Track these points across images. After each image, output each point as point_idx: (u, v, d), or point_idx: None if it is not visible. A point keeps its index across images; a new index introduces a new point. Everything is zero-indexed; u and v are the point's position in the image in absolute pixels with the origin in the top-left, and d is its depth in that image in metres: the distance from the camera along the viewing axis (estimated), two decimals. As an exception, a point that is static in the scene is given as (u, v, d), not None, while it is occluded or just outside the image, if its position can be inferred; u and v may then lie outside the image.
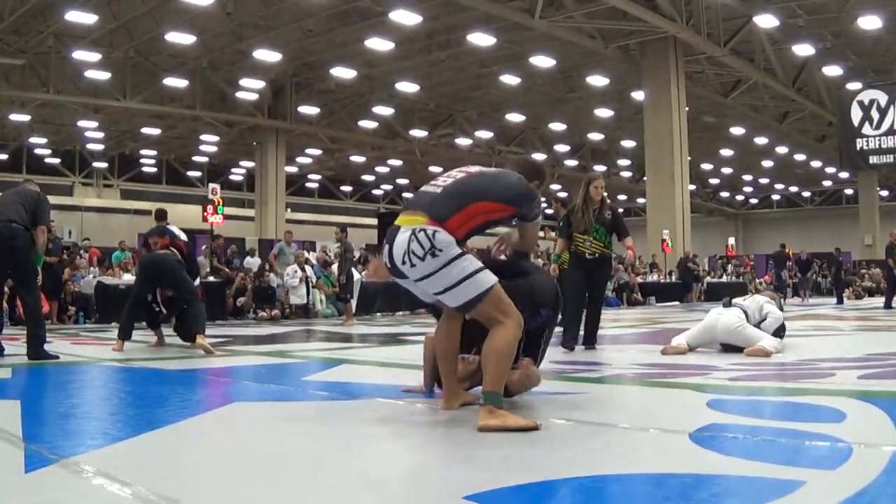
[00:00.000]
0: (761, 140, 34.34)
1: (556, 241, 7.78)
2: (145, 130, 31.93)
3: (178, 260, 7.56)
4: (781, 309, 6.82)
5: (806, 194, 48.78)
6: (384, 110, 30.06)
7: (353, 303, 13.69)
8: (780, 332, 6.49)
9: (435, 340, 3.63)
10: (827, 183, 45.74)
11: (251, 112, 28.57)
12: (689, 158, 23.58)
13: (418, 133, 32.53)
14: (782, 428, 3.06)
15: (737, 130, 32.33)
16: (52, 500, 2.18)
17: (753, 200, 51.02)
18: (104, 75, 23.73)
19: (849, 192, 44.19)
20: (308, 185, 45.35)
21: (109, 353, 6.99)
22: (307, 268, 15.45)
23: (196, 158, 39.16)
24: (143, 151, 37.69)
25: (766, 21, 20.55)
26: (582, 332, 7.02)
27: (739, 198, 50.48)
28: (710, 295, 23.11)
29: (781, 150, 36.53)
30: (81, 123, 30.28)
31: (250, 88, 26.66)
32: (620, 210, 8.69)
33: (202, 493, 2.25)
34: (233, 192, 38.59)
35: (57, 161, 37.14)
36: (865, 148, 24.55)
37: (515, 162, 3.86)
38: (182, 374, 5.54)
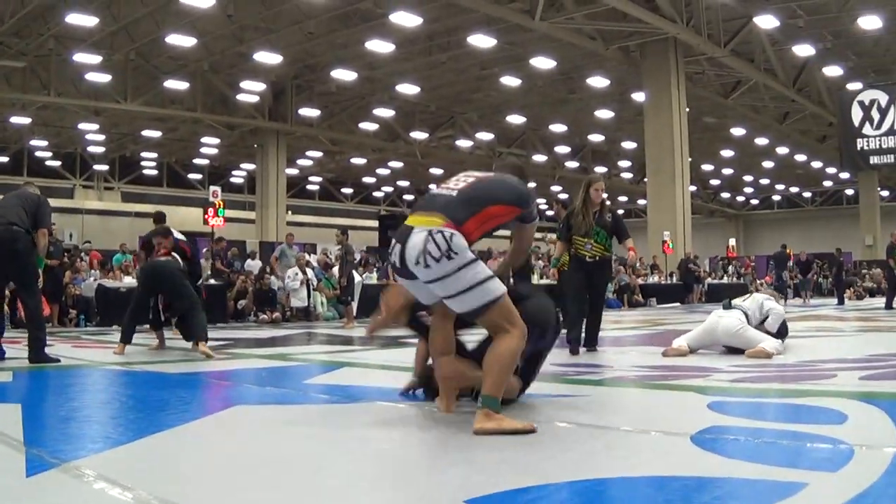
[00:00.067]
0: (762, 141, 34.35)
1: (556, 244, 7.74)
2: (146, 133, 31.95)
3: (179, 268, 7.55)
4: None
5: (807, 195, 48.78)
6: (385, 112, 30.07)
7: (354, 305, 13.68)
8: (782, 330, 6.49)
9: (430, 344, 3.62)
10: (827, 183, 45.74)
11: (252, 114, 28.59)
12: (689, 159, 23.59)
13: (419, 135, 32.54)
14: (784, 430, 3.06)
15: (737, 131, 32.33)
16: (52, 505, 2.17)
17: (754, 201, 51.03)
18: (105, 78, 23.76)
19: (849, 192, 44.19)
20: (309, 187, 45.38)
21: (110, 356, 7.00)
22: (308, 270, 15.44)
23: (197, 161, 39.18)
24: (143, 154, 37.71)
25: (767, 21, 20.56)
26: (583, 335, 7.00)
27: (740, 199, 50.48)
28: (711, 296, 23.08)
29: (782, 150, 36.54)
30: (82, 126, 30.33)
31: (251, 91, 26.68)
32: (620, 212, 8.66)
33: (203, 497, 2.25)
34: (233, 194, 38.58)
35: (58, 164, 37.17)
36: (866, 148, 24.56)
37: (502, 166, 3.88)
38: (183, 378, 5.54)
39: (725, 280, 28.16)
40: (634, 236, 7.76)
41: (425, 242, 3.14)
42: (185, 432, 3.25)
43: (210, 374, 5.79)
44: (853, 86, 25.28)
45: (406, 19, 19.68)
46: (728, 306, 6.46)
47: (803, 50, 22.73)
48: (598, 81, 25.51)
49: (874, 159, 24.57)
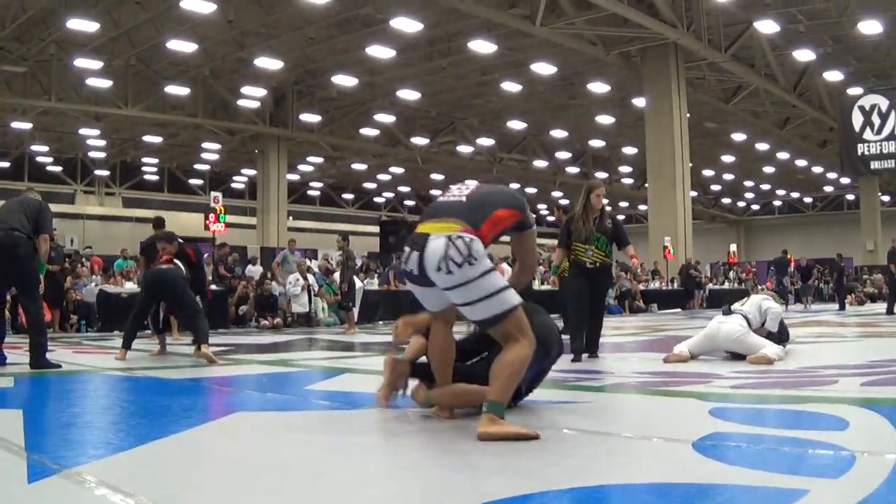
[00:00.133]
0: (762, 146, 34.38)
1: (556, 251, 7.73)
2: (147, 138, 32.01)
3: (181, 275, 7.56)
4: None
5: (807, 200, 48.78)
6: (385, 118, 30.12)
7: (355, 311, 13.68)
8: (784, 333, 6.49)
9: (430, 350, 3.63)
10: (828, 188, 45.76)
11: (253, 120, 28.64)
12: (690, 165, 23.62)
13: (420, 141, 32.58)
14: (785, 436, 3.06)
15: (738, 136, 32.37)
16: (54, 512, 2.18)
17: (755, 206, 51.06)
18: (106, 83, 23.82)
19: (850, 197, 44.19)
20: (310, 192, 45.43)
21: (112, 361, 6.99)
22: (309, 276, 15.44)
23: (198, 166, 39.24)
24: (144, 159, 37.77)
25: (767, 27, 20.60)
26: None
27: (741, 204, 50.50)
28: (713, 302, 23.07)
29: (783, 155, 36.57)
30: (83, 131, 30.38)
31: (252, 96, 26.74)
32: (621, 217, 8.66)
33: (205, 503, 2.25)
34: (234, 200, 38.66)
35: (59, 169, 37.24)
36: (867, 153, 24.61)
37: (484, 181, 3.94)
38: (184, 384, 5.54)
39: (726, 286, 28.17)
40: (635, 242, 7.75)
41: (446, 248, 3.13)
42: (186, 438, 3.25)
43: (211, 379, 5.80)
44: (854, 91, 25.33)
45: (406, 25, 19.72)
46: (728, 312, 6.45)
47: (804, 55, 22.78)
48: (598, 87, 25.56)
49: (875, 164, 24.62)
